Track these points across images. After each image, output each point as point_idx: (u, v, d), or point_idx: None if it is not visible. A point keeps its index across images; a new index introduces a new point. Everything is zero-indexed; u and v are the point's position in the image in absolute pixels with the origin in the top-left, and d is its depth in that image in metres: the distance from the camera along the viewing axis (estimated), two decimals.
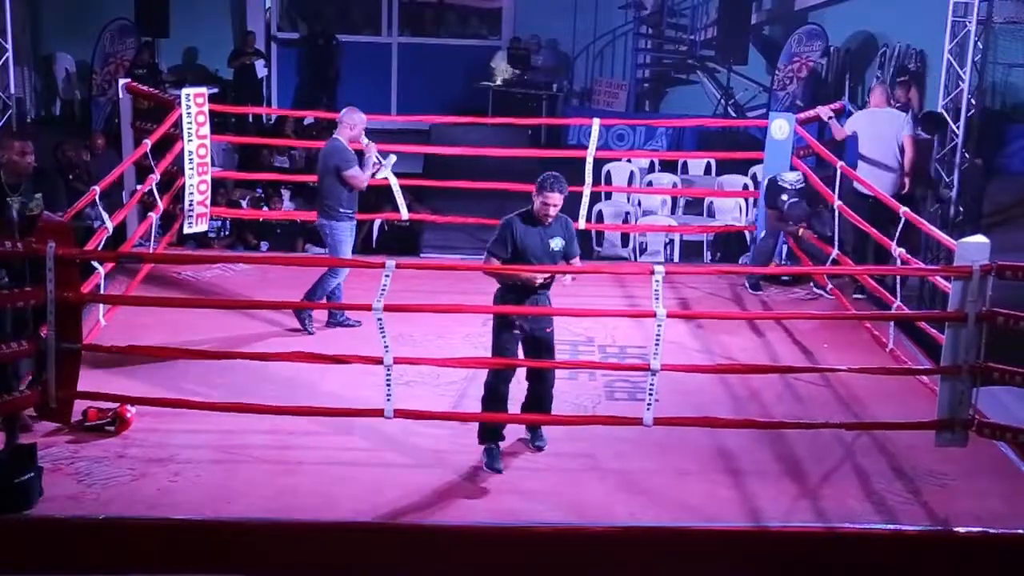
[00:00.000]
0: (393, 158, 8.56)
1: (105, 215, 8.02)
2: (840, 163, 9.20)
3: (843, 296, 9.22)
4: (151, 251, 9.05)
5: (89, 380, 6.45)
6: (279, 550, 5.74)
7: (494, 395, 6.37)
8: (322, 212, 8.20)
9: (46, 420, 6.40)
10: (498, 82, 16.13)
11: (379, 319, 6.17)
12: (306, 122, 14.37)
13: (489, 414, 6.36)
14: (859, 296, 9.29)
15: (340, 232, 8.11)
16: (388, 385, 6.26)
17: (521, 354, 6.44)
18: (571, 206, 10.06)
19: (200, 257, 9.62)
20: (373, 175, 8.31)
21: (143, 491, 5.92)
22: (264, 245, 11.31)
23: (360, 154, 8.22)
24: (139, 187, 9.08)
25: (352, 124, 8.16)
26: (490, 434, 6.37)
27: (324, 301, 8.08)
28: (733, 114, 16.05)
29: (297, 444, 6.46)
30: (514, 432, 6.53)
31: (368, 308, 6.18)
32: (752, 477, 6.27)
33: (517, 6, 17.02)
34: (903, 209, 8.28)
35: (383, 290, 6.24)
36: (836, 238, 9.24)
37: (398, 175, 9.89)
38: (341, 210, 8.08)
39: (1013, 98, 15.39)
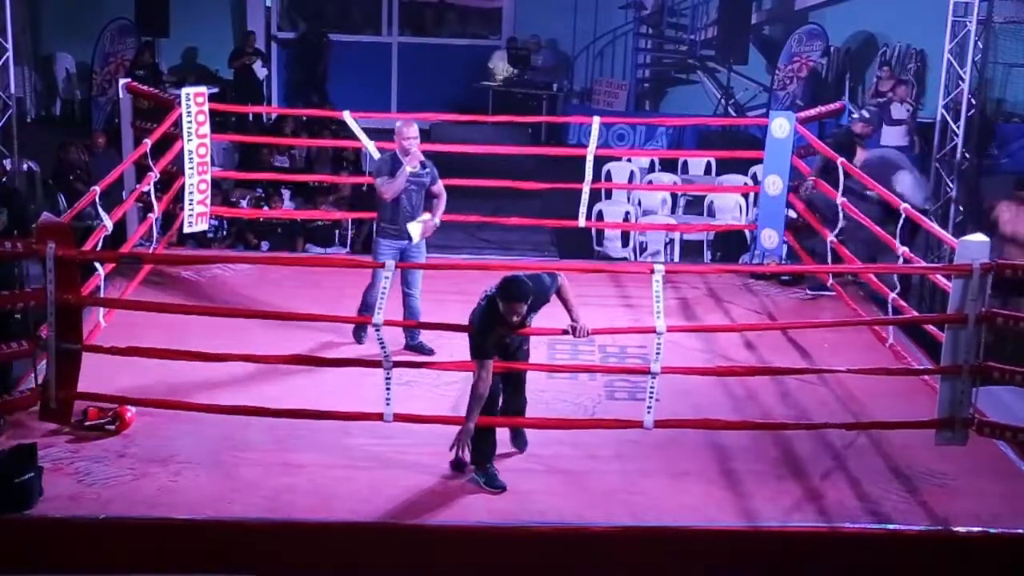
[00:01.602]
0: (427, 218, 7.76)
1: (104, 215, 8.01)
2: (840, 159, 9.19)
3: (844, 293, 9.20)
4: (151, 251, 9.05)
5: (89, 380, 6.46)
6: (279, 550, 5.74)
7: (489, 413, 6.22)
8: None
9: (46, 420, 6.40)
10: (498, 80, 16.15)
11: (377, 331, 6.19)
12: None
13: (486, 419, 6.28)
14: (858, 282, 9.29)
15: (377, 247, 7.70)
16: (388, 389, 6.28)
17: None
18: (571, 205, 10.13)
19: (200, 257, 9.61)
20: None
21: (143, 491, 5.92)
22: (264, 245, 11.31)
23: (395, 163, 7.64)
24: (139, 186, 9.07)
25: (398, 134, 7.65)
26: (487, 455, 6.20)
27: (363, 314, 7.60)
28: (733, 114, 16.06)
29: (297, 444, 6.46)
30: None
31: (368, 321, 6.20)
32: (751, 477, 6.26)
33: (517, 6, 17.03)
34: (903, 206, 8.27)
35: (383, 292, 6.25)
36: (837, 226, 9.22)
37: None
38: (382, 224, 7.71)
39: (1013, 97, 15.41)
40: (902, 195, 8.61)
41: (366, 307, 7.67)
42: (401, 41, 17.17)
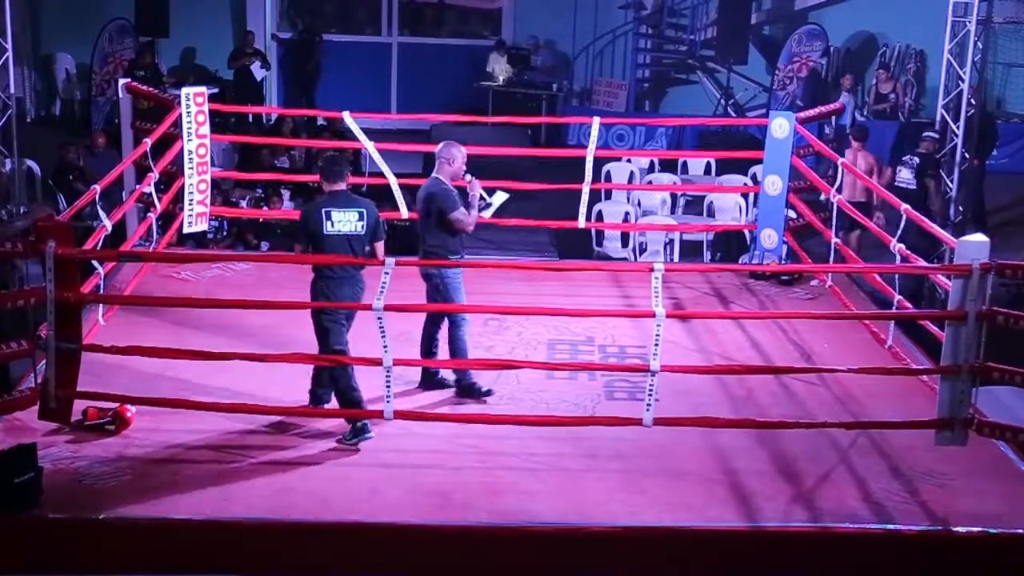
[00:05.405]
0: (503, 196, 7.47)
1: (104, 215, 8.01)
2: (840, 159, 9.19)
3: (842, 293, 9.20)
4: (151, 251, 9.04)
5: (89, 380, 6.46)
6: (278, 550, 5.73)
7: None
8: (427, 258, 7.17)
9: (46, 420, 6.40)
10: (499, 81, 16.17)
11: (379, 319, 6.18)
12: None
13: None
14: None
15: (452, 279, 7.09)
16: (388, 386, 6.27)
17: None
18: (571, 205, 10.13)
19: (200, 256, 9.60)
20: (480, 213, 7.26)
21: (143, 491, 5.91)
22: (264, 245, 11.31)
23: (464, 192, 7.21)
24: (139, 186, 9.07)
25: (451, 159, 7.14)
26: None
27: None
28: (733, 114, 16.08)
29: (297, 444, 6.46)
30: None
31: (368, 308, 6.18)
32: (751, 477, 6.26)
33: (517, 6, 17.06)
34: (904, 207, 8.27)
35: (383, 288, 6.25)
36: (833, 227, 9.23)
37: (398, 175, 9.89)
38: (450, 257, 7.09)
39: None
40: None
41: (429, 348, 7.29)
42: (401, 41, 17.19)
